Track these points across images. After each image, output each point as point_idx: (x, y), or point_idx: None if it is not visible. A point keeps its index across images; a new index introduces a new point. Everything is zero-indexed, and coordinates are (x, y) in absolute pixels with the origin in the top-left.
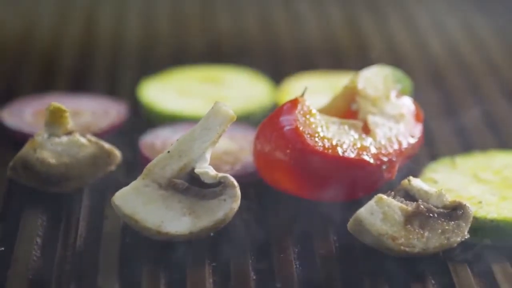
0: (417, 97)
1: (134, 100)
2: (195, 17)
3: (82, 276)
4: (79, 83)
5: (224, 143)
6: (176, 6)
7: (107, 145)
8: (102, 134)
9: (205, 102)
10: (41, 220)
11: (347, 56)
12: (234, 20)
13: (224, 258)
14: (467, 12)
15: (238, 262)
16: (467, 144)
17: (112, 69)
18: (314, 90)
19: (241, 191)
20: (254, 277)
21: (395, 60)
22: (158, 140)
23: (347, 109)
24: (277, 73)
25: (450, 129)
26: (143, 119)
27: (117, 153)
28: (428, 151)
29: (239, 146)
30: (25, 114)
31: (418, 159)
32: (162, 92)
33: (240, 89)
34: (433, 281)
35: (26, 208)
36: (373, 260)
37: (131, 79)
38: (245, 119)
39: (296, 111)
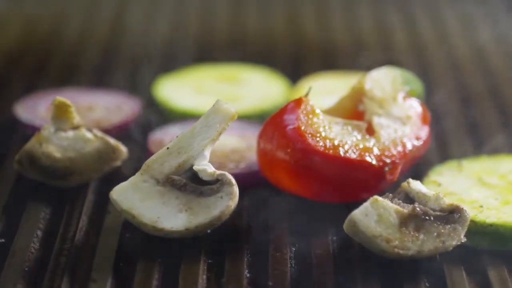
0: (436, 98)
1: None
2: (223, 15)
3: (77, 269)
4: (102, 79)
5: (234, 142)
6: (206, 5)
7: (112, 141)
8: (114, 129)
9: None
10: (44, 213)
11: (371, 57)
12: (262, 19)
13: (220, 255)
14: (498, 16)
15: (233, 260)
16: (481, 148)
17: (136, 66)
18: (330, 91)
19: (243, 189)
20: (248, 275)
21: (419, 61)
22: (167, 136)
23: (354, 110)
24: (300, 73)
25: (467, 131)
26: (159, 115)
27: (123, 149)
28: (440, 153)
29: (248, 144)
30: (39, 109)
31: (430, 161)
32: (178, 89)
33: (256, 88)
34: (427, 284)
35: (31, 201)
36: (369, 260)
37: (153, 76)
38: (259, 118)
39: (299, 111)
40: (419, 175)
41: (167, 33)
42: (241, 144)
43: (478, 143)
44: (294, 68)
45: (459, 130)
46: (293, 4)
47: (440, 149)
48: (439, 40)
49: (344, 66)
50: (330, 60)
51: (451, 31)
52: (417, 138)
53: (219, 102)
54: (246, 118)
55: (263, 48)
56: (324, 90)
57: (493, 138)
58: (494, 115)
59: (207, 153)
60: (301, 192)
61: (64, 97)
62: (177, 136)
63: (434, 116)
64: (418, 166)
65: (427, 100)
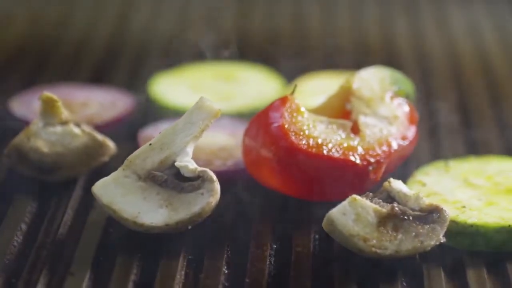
0: (435, 98)
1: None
2: (229, 14)
3: (57, 263)
4: (102, 76)
5: (223, 139)
6: (212, 4)
7: (100, 136)
8: (106, 126)
9: (214, 98)
10: (30, 207)
11: (373, 58)
12: (267, 17)
13: (201, 251)
14: (504, 18)
15: (212, 256)
16: (475, 149)
17: (138, 63)
18: (326, 90)
19: (228, 186)
20: (226, 271)
21: (421, 62)
22: (156, 133)
23: (342, 108)
24: (301, 73)
25: (462, 132)
26: (155, 113)
27: (110, 144)
28: (433, 153)
29: (237, 142)
30: (34, 104)
31: (422, 161)
32: (174, 87)
33: (252, 87)
34: (404, 283)
35: (19, 195)
36: (348, 259)
37: (153, 74)
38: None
39: (284, 109)
40: (409, 175)
41: (170, 32)
42: (230, 142)
43: (472, 145)
44: (295, 67)
45: (455, 131)
46: (298, 3)
47: (432, 150)
48: (443, 42)
49: (345, 67)
50: (332, 61)
51: (456, 33)
52: (403, 138)
53: (203, 99)
54: (240, 116)
55: (266, 46)
56: (320, 89)
57: (487, 139)
58: (492, 117)
59: (190, 149)
60: (285, 189)
61: (60, 92)
62: (159, 132)
63: (431, 117)
64: (409, 166)
65: (427, 102)
